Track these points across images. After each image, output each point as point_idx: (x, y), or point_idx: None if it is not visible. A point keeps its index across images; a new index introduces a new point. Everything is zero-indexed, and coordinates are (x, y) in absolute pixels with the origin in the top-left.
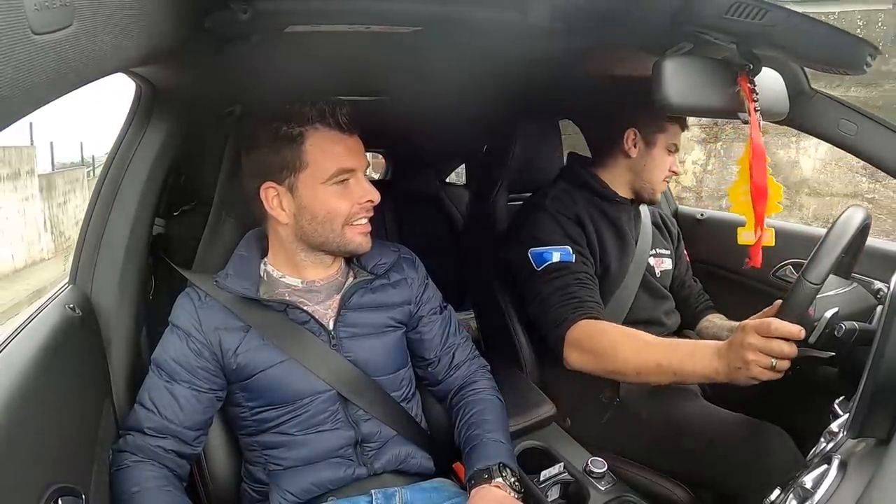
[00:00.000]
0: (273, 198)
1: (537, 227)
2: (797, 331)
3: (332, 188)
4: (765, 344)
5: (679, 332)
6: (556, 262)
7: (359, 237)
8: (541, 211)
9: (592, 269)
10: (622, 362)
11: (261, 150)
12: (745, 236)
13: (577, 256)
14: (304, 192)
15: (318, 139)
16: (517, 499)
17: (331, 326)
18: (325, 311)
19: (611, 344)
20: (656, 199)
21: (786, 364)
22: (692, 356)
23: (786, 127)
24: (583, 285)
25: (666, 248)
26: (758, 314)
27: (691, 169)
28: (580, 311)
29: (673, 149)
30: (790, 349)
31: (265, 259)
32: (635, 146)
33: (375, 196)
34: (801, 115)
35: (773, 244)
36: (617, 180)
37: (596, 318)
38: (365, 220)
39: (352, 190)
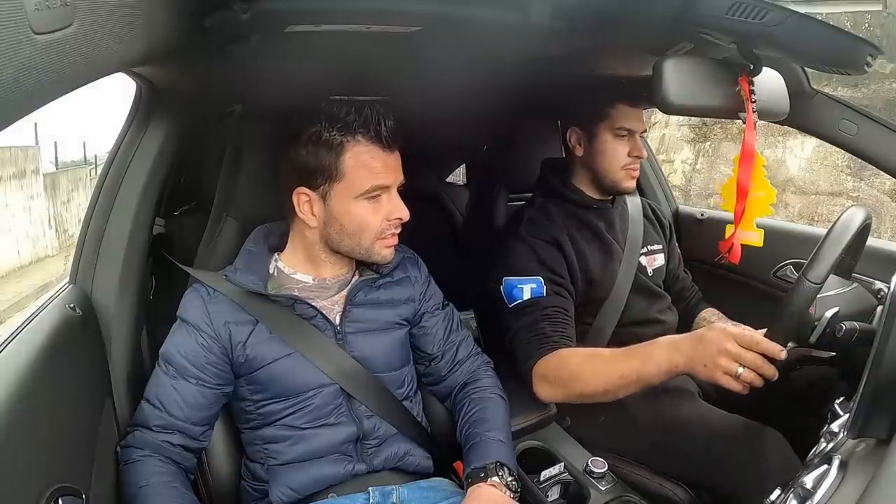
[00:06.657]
0: (304, 203)
1: (513, 255)
2: (779, 350)
3: (364, 203)
4: (740, 354)
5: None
6: (526, 300)
7: (385, 251)
8: (517, 239)
9: (569, 295)
10: (587, 385)
11: (300, 151)
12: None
13: (548, 288)
14: (336, 203)
15: (357, 152)
16: (514, 499)
17: (337, 322)
18: (332, 307)
19: (574, 370)
20: (625, 187)
21: (751, 376)
22: (649, 357)
23: (772, 125)
24: (550, 320)
25: (658, 243)
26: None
27: (680, 168)
28: (546, 346)
29: (624, 132)
30: (764, 366)
31: (277, 255)
32: (580, 144)
33: (405, 214)
34: (801, 115)
35: (760, 245)
36: (582, 182)
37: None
38: (394, 235)
39: (383, 205)
